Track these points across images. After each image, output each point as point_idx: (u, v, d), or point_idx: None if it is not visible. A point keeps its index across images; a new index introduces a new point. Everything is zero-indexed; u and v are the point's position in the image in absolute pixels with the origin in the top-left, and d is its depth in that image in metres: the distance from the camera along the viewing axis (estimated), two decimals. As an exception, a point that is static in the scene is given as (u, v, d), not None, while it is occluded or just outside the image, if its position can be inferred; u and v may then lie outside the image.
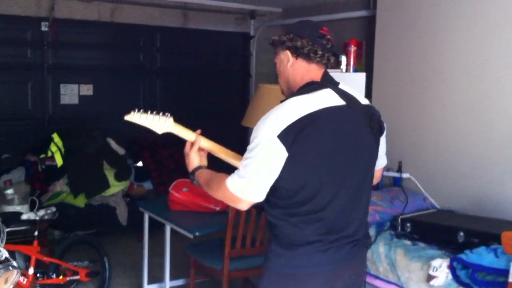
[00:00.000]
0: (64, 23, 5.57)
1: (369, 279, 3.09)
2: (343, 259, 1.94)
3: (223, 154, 2.11)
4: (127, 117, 2.05)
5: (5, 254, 1.83)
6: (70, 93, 5.81)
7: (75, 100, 5.86)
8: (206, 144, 2.11)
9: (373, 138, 1.98)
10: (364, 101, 2.03)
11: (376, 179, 2.17)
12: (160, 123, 2.06)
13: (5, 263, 1.80)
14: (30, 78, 5.61)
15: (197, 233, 3.37)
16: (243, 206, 1.89)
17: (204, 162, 2.11)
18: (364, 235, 2.04)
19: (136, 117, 2.05)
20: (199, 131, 2.12)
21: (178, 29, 6.37)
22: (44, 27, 5.52)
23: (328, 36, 1.97)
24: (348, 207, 1.93)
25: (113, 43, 6.09)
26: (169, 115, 2.07)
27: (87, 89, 5.93)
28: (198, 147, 2.09)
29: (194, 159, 2.09)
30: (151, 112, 2.06)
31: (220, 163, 2.12)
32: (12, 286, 1.92)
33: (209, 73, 6.65)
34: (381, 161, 2.14)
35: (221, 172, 1.96)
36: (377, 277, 3.11)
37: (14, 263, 1.84)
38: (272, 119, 1.83)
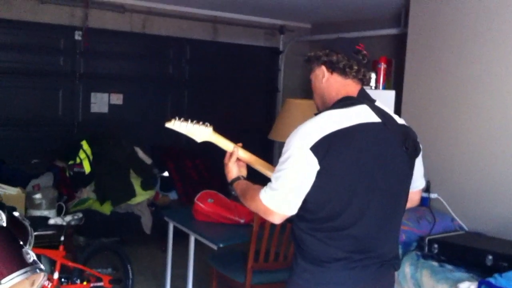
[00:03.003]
0: (97, 32, 5.68)
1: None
2: (370, 279, 1.90)
3: (260, 166, 2.13)
4: (168, 124, 2.10)
5: (33, 256, 1.84)
6: (100, 102, 5.91)
7: (105, 109, 5.95)
8: (244, 155, 2.13)
9: (408, 158, 1.94)
10: (400, 120, 2.00)
11: (413, 202, 2.13)
12: (200, 132, 2.11)
13: (32, 265, 1.81)
14: (61, 86, 5.72)
15: (221, 245, 3.37)
16: (276, 219, 1.87)
17: (243, 173, 2.13)
18: (394, 256, 1.99)
19: (176, 125, 2.09)
20: (240, 144, 2.14)
21: (208, 42, 6.43)
22: (77, 36, 5.64)
23: (364, 52, 1.97)
24: (378, 227, 1.90)
25: (144, 54, 6.18)
26: (208, 124, 2.11)
27: (116, 99, 6.01)
28: (236, 157, 2.11)
29: (233, 170, 2.11)
30: (191, 121, 2.11)
31: (261, 176, 2.14)
32: (39, 289, 1.93)
33: (237, 86, 6.70)
34: (418, 183, 2.10)
35: (260, 183, 1.96)
36: (401, 297, 3.06)
37: (42, 266, 1.85)
38: (305, 131, 1.82)
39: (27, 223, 2.29)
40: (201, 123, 2.12)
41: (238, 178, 2.10)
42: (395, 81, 4.90)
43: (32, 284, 1.92)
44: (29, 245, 2.15)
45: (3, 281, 1.68)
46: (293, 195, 1.81)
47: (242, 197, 2.01)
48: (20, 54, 5.47)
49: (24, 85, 5.54)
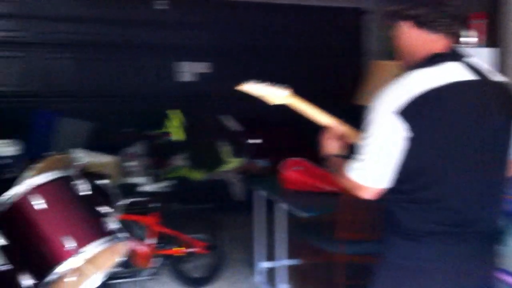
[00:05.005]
0: (184, 1, 5.69)
1: (499, 275, 2.81)
2: (471, 254, 1.72)
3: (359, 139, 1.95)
4: (242, 87, 2.01)
5: (114, 225, 1.86)
6: (189, 71, 5.96)
7: (194, 78, 6.00)
8: (342, 129, 1.94)
9: (507, 119, 1.72)
10: (499, 78, 1.77)
11: None
12: (275, 94, 2.00)
13: (112, 235, 1.83)
14: (150, 56, 5.83)
15: (310, 213, 3.28)
16: (366, 194, 1.71)
17: (340, 149, 1.93)
18: (495, 229, 1.80)
19: (250, 87, 2.01)
20: (337, 119, 1.97)
21: (291, 6, 6.24)
22: (162, 5, 5.67)
23: (456, 2, 1.74)
24: (478, 198, 1.71)
25: (228, 22, 6.11)
26: (285, 86, 2.00)
27: (205, 67, 6.04)
28: (334, 133, 1.94)
29: (329, 145, 1.95)
30: (266, 83, 2.01)
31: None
32: (119, 258, 1.97)
33: (320, 50, 6.48)
34: None
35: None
36: (508, 273, 2.82)
37: (122, 236, 1.87)
38: (390, 93, 1.65)
39: (114, 191, 2.33)
40: (276, 85, 2.01)
41: (333, 155, 1.93)
42: (490, 38, 4.47)
43: (115, 253, 1.96)
44: (115, 213, 2.19)
45: (81, 250, 1.71)
46: (382, 165, 1.65)
47: (336, 173, 1.86)
48: (108, 27, 5.62)
49: (115, 57, 5.72)
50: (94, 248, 1.73)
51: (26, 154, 4.04)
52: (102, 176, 3.90)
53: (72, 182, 1.92)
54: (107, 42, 5.65)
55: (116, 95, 5.73)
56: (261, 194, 3.90)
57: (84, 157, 4.45)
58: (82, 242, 1.71)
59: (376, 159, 1.65)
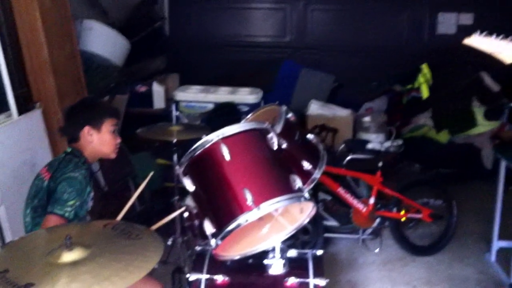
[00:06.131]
0: None
1: None
2: None
3: None
4: (467, 40, 1.75)
5: (299, 184, 1.80)
6: (448, 22, 5.49)
7: (453, 30, 5.51)
8: None
9: None
10: None
11: None
12: (509, 49, 1.74)
13: (296, 193, 1.78)
14: (406, 7, 5.52)
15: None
16: None
17: None
18: None
19: (477, 40, 1.73)
20: None
21: None
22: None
23: None
24: None
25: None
26: None
27: (466, 19, 5.48)
28: None
29: None
30: (498, 36, 1.70)
31: None
32: (307, 218, 1.91)
33: None
34: None
35: None
36: None
37: (306, 195, 1.80)
38: None
39: (321, 147, 2.26)
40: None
41: None
42: None
43: (301, 211, 1.91)
44: (319, 169, 2.13)
45: (262, 205, 1.68)
46: None
47: None
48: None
49: (372, 10, 5.59)
50: (275, 204, 1.70)
51: (264, 103, 4.24)
52: (330, 130, 3.88)
53: (268, 135, 1.90)
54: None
55: (369, 48, 5.62)
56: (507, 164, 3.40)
57: (316, 109, 4.50)
58: (264, 196, 1.70)
59: None
